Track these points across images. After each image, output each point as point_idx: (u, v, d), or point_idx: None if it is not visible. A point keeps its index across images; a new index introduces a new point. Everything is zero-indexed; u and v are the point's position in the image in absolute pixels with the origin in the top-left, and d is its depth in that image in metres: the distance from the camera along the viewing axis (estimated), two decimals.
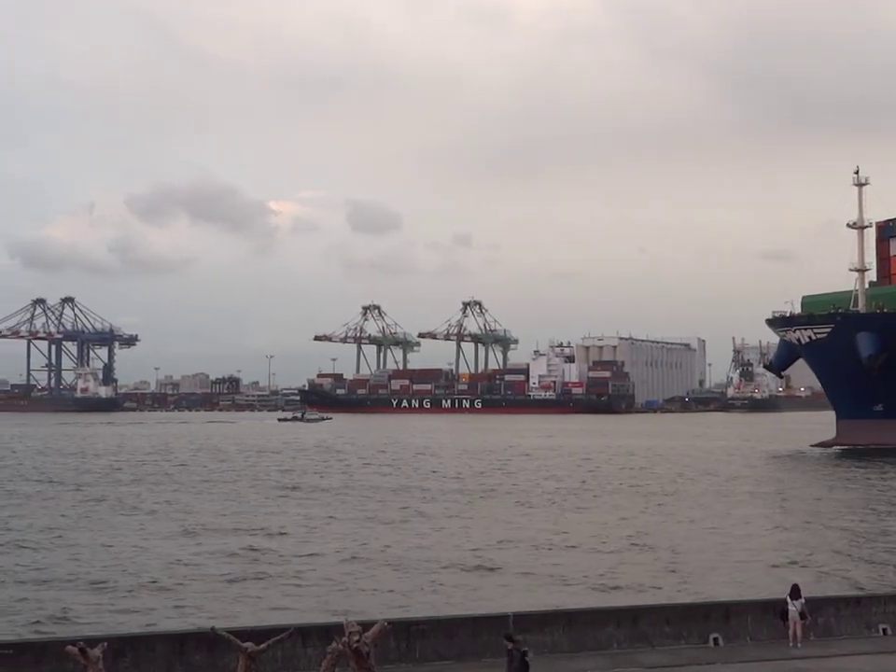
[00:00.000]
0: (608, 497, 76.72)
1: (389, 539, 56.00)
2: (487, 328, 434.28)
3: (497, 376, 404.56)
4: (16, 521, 63.57)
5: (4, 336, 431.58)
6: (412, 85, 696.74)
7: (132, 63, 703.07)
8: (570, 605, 36.34)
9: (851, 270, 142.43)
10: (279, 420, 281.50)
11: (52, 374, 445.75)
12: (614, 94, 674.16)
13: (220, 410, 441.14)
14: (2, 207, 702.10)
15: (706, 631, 29.18)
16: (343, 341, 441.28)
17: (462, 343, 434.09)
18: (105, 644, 23.28)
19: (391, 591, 42.15)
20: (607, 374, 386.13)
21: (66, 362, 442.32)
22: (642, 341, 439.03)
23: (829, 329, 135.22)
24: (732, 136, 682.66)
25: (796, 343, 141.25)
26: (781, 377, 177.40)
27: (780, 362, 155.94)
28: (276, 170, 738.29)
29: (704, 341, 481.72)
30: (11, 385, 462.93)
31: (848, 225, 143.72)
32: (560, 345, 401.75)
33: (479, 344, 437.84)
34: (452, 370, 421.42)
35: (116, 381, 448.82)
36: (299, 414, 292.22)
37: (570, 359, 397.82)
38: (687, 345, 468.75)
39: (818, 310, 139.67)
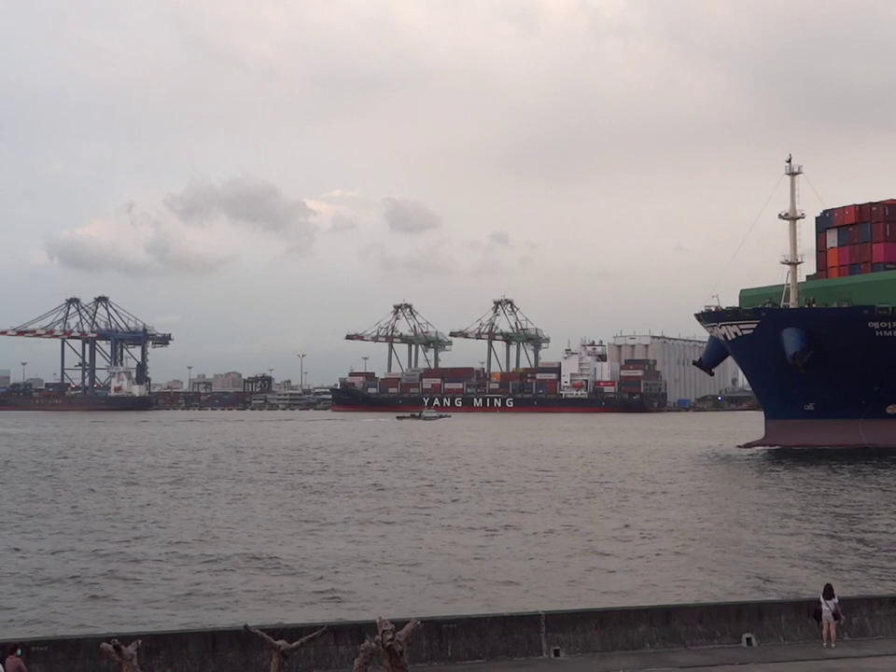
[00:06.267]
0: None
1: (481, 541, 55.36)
2: (519, 326, 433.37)
3: (529, 375, 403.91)
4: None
5: (38, 335, 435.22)
6: (448, 84, 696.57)
7: (170, 64, 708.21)
8: (602, 604, 36.35)
9: (783, 263, 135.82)
10: (397, 418, 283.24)
11: (86, 373, 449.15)
12: (647, 92, 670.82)
13: (252, 409, 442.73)
14: (41, 207, 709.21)
15: (739, 631, 29.07)
16: (375, 339, 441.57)
17: (493, 342, 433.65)
18: (139, 641, 23.47)
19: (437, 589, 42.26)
20: (639, 373, 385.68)
21: (100, 361, 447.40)
22: (674, 339, 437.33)
23: (755, 325, 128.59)
24: (765, 133, 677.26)
25: (723, 339, 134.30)
26: (712, 374, 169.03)
27: (710, 359, 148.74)
28: (314, 170, 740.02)
29: None
30: (46, 383, 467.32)
31: (780, 216, 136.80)
32: (592, 344, 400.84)
33: (510, 343, 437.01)
34: (483, 369, 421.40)
35: (149, 380, 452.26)
36: (417, 413, 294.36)
37: (602, 358, 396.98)
38: None
39: (754, 304, 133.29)
